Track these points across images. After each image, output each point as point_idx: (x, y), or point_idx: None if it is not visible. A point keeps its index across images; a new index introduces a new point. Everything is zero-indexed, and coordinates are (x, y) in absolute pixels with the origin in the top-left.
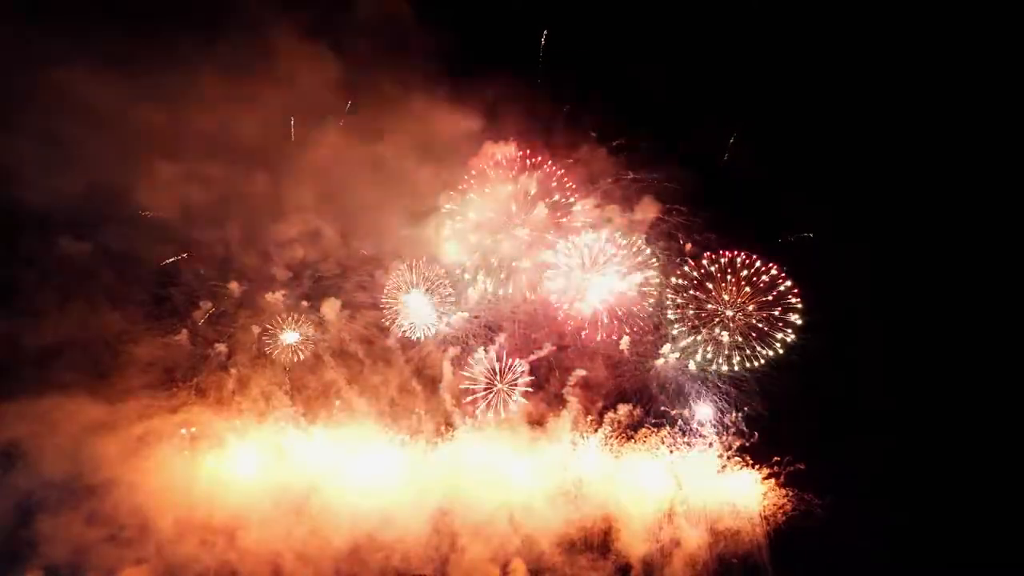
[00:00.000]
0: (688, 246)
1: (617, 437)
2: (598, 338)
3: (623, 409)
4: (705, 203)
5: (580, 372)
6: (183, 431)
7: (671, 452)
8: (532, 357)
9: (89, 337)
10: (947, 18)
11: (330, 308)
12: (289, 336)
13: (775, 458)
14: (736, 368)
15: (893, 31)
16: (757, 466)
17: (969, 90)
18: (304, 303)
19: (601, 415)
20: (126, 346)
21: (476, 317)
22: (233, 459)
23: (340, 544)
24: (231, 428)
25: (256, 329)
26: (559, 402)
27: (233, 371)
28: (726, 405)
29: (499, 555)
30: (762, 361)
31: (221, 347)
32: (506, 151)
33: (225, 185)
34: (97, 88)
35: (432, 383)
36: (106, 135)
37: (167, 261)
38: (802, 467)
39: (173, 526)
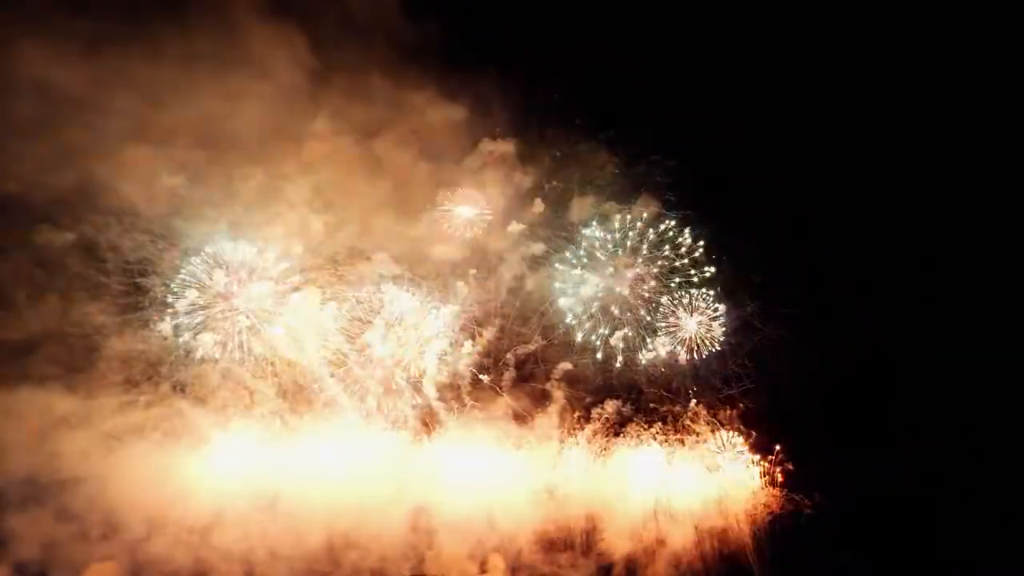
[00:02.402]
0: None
1: (604, 433)
2: (588, 326)
3: (611, 404)
4: (704, 199)
5: (566, 366)
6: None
7: (661, 446)
8: (519, 351)
9: (66, 330)
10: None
11: (311, 299)
12: None
13: (767, 457)
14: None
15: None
16: (746, 465)
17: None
18: (294, 296)
19: (588, 410)
20: (105, 339)
21: (463, 311)
22: (212, 454)
23: (315, 542)
24: (212, 422)
25: (243, 321)
26: (545, 397)
27: (216, 364)
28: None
29: (477, 552)
30: None
31: (204, 339)
32: (502, 147)
33: (206, 175)
34: (58, 71)
35: (415, 377)
36: (72, 121)
37: (148, 253)
38: (791, 467)
39: (145, 523)
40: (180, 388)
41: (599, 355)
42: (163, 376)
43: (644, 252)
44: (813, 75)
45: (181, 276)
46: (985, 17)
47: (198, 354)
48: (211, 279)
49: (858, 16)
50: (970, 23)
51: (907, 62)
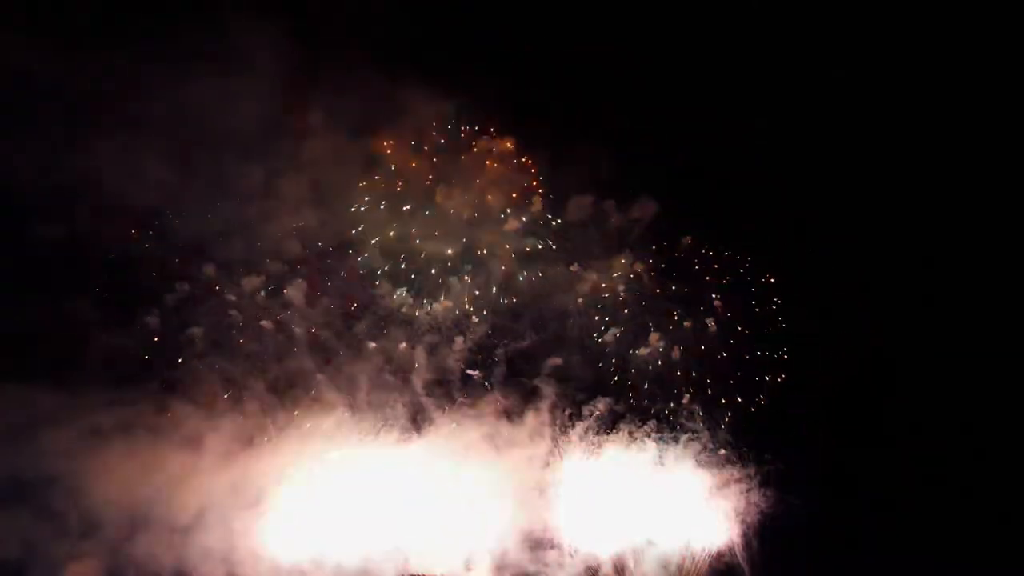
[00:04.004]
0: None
1: (596, 431)
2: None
3: (603, 402)
4: (703, 198)
5: (557, 362)
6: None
7: (656, 444)
8: (511, 346)
9: (54, 325)
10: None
11: (297, 292)
12: None
13: (763, 456)
14: None
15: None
16: (738, 464)
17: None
18: (284, 290)
19: (580, 407)
20: (94, 335)
21: (455, 306)
22: (199, 451)
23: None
24: (199, 419)
25: (233, 315)
26: (536, 394)
27: (206, 360)
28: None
29: (463, 550)
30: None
31: (194, 333)
32: (501, 145)
33: (195, 168)
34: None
35: (404, 373)
36: (56, 113)
37: (138, 247)
38: (783, 467)
39: (129, 521)
40: (168, 384)
41: (593, 351)
42: (151, 372)
43: (642, 249)
44: (813, 75)
45: (170, 270)
46: (985, 17)
47: (186, 349)
48: (200, 273)
49: (858, 16)
50: (970, 23)
51: (907, 62)
